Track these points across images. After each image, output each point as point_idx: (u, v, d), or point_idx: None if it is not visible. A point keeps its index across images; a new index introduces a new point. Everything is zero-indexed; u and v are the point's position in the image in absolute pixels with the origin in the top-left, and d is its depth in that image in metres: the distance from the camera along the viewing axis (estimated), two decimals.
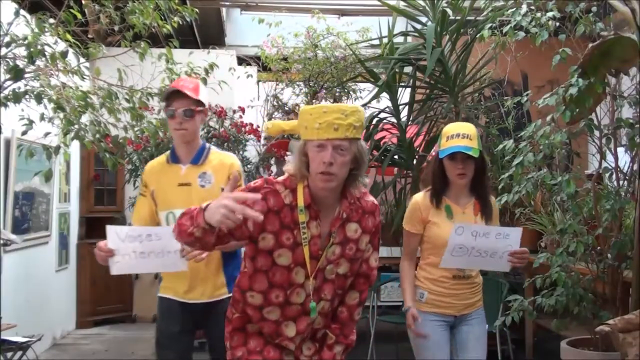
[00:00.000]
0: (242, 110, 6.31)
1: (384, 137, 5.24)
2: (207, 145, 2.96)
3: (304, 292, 2.20)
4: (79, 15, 3.75)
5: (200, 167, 2.86)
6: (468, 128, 2.81)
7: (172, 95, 2.83)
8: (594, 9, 3.51)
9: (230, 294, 2.56)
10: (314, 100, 6.35)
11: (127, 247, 2.62)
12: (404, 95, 5.37)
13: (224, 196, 1.97)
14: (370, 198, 2.31)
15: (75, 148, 6.00)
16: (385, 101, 5.37)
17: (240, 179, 2.82)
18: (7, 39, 3.52)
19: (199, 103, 2.84)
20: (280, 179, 2.22)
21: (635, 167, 3.46)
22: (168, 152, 2.96)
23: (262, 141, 6.39)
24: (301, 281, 2.18)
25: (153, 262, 2.66)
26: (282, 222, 2.14)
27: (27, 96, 3.57)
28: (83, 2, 4.17)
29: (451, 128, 2.84)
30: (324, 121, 2.08)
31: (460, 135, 2.77)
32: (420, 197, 2.93)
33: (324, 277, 2.21)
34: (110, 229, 2.65)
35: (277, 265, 2.16)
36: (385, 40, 5.20)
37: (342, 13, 7.01)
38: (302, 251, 2.15)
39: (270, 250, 2.15)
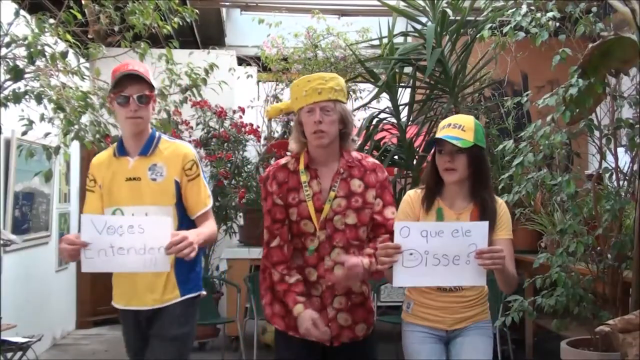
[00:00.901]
0: (242, 110, 6.31)
1: (384, 138, 5.24)
2: (158, 133, 2.70)
3: (317, 239, 2.54)
4: (79, 16, 3.76)
5: (149, 158, 2.60)
6: (464, 119, 2.50)
7: (124, 80, 2.54)
8: (594, 9, 3.50)
9: (183, 297, 2.64)
10: None
11: (104, 241, 2.34)
12: (404, 96, 5.36)
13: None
14: (372, 159, 2.67)
15: (75, 148, 6.00)
16: (385, 101, 5.37)
17: (198, 169, 2.66)
18: (7, 39, 3.53)
19: (152, 87, 2.60)
20: (286, 158, 2.65)
21: (635, 167, 3.46)
22: (115, 145, 2.69)
23: (262, 141, 6.39)
24: (311, 231, 2.54)
25: (132, 260, 2.36)
26: (289, 187, 2.55)
27: (27, 96, 3.58)
28: (83, 2, 4.18)
29: (447, 119, 2.55)
30: (309, 88, 2.49)
31: (452, 125, 2.47)
32: (413, 192, 2.61)
33: (334, 227, 2.54)
34: (86, 218, 2.40)
35: (292, 222, 2.56)
36: (385, 40, 5.20)
37: (342, 13, 7.00)
38: (306, 207, 2.52)
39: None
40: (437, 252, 2.23)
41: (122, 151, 2.64)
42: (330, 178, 2.54)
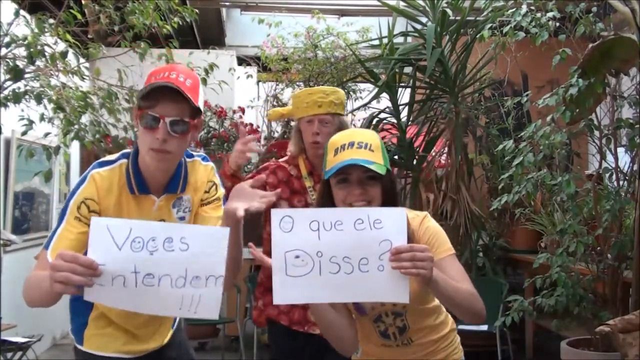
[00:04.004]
0: (242, 110, 6.31)
1: (384, 137, 5.24)
2: (183, 158, 1.92)
3: None
4: (79, 16, 3.75)
5: (177, 193, 1.91)
6: (369, 136, 1.81)
7: (157, 93, 1.75)
8: (594, 9, 3.50)
9: (174, 329, 2.18)
10: None
11: (126, 262, 1.50)
12: (404, 96, 5.37)
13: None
14: None
15: (75, 148, 6.00)
16: (385, 101, 5.37)
17: (218, 192, 2.00)
18: (7, 39, 3.52)
19: (197, 111, 1.81)
20: (284, 159, 2.76)
21: (635, 167, 3.46)
22: (121, 170, 1.86)
23: (262, 141, 6.39)
24: None
25: (165, 296, 1.52)
26: (292, 189, 2.65)
27: (27, 96, 3.58)
28: (83, 2, 4.18)
29: (341, 137, 1.82)
30: (310, 100, 2.60)
31: (355, 144, 1.76)
32: None
33: None
34: (99, 223, 1.53)
35: None
36: (385, 40, 5.20)
37: (342, 13, 7.00)
38: None
39: None
40: (335, 253, 1.56)
41: (143, 188, 1.86)
42: None
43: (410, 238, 1.63)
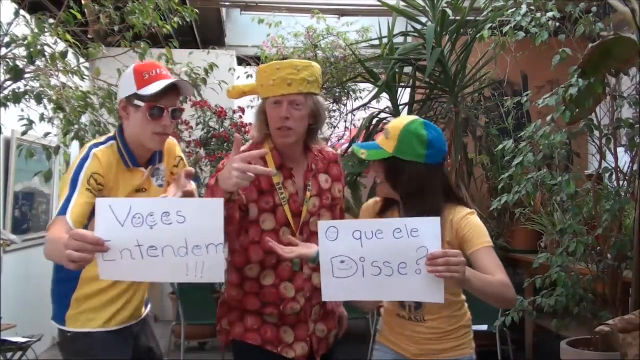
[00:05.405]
0: (242, 110, 6.31)
1: None
2: None
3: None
4: (79, 16, 3.75)
5: (156, 164, 2.27)
6: (394, 124, 2.10)
7: (163, 89, 2.09)
8: (594, 9, 3.50)
9: (147, 310, 2.38)
10: None
11: (129, 237, 1.66)
12: (404, 96, 5.37)
13: (232, 160, 1.88)
14: (330, 149, 2.42)
15: (75, 148, 5.99)
16: (385, 101, 5.38)
17: (185, 163, 2.38)
18: (7, 39, 3.52)
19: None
20: (245, 147, 2.20)
21: (635, 167, 3.46)
22: (113, 149, 2.15)
23: None
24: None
25: (169, 265, 1.69)
26: (259, 189, 2.18)
27: (27, 96, 3.58)
28: (83, 2, 4.18)
29: (392, 122, 2.21)
30: (277, 77, 2.13)
31: (384, 131, 2.13)
32: (372, 201, 2.29)
33: (310, 230, 2.22)
34: (103, 203, 1.69)
35: (265, 232, 2.18)
36: (385, 40, 5.20)
37: (342, 13, 7.00)
38: (283, 212, 2.19)
39: (256, 220, 2.19)
40: (376, 258, 1.76)
41: (135, 162, 2.18)
42: (303, 176, 2.25)
43: (449, 230, 1.98)
